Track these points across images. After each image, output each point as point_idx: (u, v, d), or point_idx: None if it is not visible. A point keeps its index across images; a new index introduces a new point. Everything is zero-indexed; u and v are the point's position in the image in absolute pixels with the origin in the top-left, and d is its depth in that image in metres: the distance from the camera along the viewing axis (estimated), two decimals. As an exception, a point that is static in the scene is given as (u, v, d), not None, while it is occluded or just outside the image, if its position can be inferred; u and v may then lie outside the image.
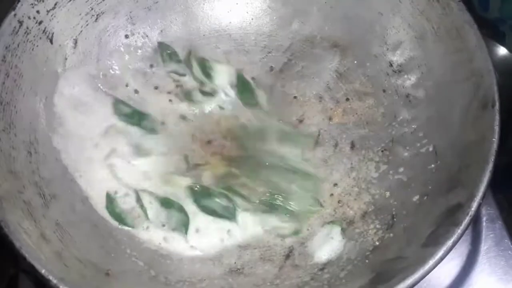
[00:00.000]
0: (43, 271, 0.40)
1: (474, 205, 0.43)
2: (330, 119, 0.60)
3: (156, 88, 0.61)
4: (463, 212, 0.43)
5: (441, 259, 0.41)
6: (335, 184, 0.56)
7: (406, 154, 0.55)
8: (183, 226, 0.52)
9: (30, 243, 0.42)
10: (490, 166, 0.44)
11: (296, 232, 0.53)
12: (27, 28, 0.52)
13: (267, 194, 0.55)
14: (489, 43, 0.55)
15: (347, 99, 0.61)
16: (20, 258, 0.41)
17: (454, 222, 0.42)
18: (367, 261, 0.49)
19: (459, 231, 0.41)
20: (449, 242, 0.41)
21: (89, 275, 0.45)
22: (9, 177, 0.46)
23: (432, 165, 0.52)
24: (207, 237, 0.52)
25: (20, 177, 0.47)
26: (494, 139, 0.45)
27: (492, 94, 0.47)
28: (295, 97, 0.61)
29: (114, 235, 0.51)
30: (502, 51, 0.66)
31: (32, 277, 0.50)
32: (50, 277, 0.40)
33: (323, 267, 0.50)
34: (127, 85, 0.60)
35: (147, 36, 0.62)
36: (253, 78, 0.62)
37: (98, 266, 0.46)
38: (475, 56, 0.50)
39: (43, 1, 0.53)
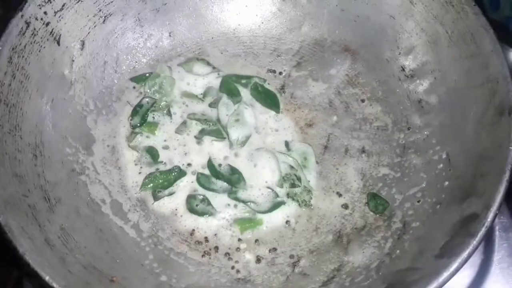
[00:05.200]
0: (47, 278, 0.40)
1: (490, 215, 0.41)
2: (340, 124, 0.59)
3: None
4: (479, 222, 0.41)
5: (456, 271, 0.39)
6: (345, 190, 0.55)
7: (418, 161, 0.54)
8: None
9: (34, 248, 0.41)
10: (506, 176, 0.43)
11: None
12: (34, 29, 0.51)
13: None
14: (502, 47, 0.54)
15: (358, 104, 0.60)
16: (24, 264, 0.40)
17: (469, 233, 0.41)
18: (377, 271, 0.47)
19: (474, 242, 0.40)
20: (464, 254, 0.40)
21: (93, 282, 0.44)
22: (14, 181, 0.46)
23: (445, 173, 0.51)
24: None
25: (25, 181, 0.47)
26: (511, 148, 0.44)
27: (509, 101, 0.46)
28: (304, 101, 0.60)
29: (119, 240, 0.50)
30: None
31: (36, 281, 0.49)
32: (54, 284, 0.40)
33: (333, 276, 0.49)
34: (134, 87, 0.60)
35: (155, 38, 0.62)
36: (263, 81, 0.61)
37: (103, 273, 0.45)
38: (491, 62, 0.49)
39: (50, 2, 0.52)
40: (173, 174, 0.55)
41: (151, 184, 0.54)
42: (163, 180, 0.55)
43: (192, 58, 0.62)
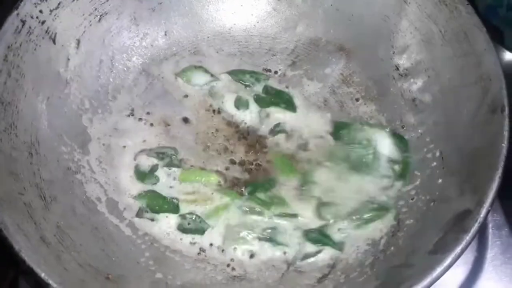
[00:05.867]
0: (42, 275, 0.40)
1: (483, 211, 0.42)
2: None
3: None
4: (472, 218, 0.42)
5: (449, 266, 0.40)
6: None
7: (412, 159, 0.55)
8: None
9: (29, 245, 0.42)
10: (499, 172, 0.43)
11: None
12: (30, 27, 0.51)
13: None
14: (496, 47, 0.54)
15: (352, 103, 0.60)
16: (20, 261, 0.41)
17: (463, 229, 0.42)
18: (372, 267, 0.48)
19: (467, 238, 0.41)
20: (458, 249, 0.40)
21: (89, 279, 0.44)
22: (10, 179, 0.46)
23: (439, 171, 0.51)
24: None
25: (21, 179, 0.47)
26: (503, 145, 0.44)
27: (502, 99, 0.47)
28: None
29: (115, 238, 0.50)
30: (508, 55, 0.65)
31: (32, 280, 0.49)
32: (50, 281, 0.40)
33: (328, 272, 0.49)
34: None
35: (150, 37, 0.62)
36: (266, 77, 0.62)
37: (98, 270, 0.45)
38: (484, 60, 0.50)
39: (46, 1, 0.52)
40: (169, 205, 0.53)
41: (146, 200, 0.53)
42: (157, 204, 0.53)
43: (190, 67, 0.62)
